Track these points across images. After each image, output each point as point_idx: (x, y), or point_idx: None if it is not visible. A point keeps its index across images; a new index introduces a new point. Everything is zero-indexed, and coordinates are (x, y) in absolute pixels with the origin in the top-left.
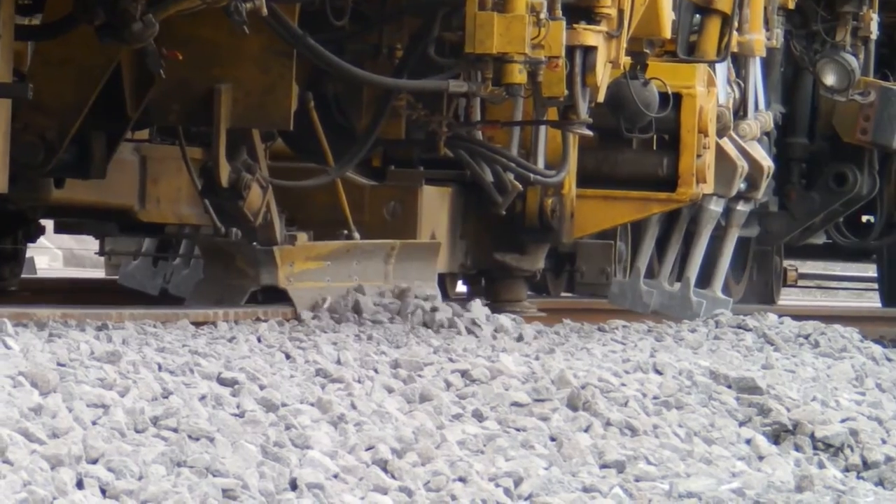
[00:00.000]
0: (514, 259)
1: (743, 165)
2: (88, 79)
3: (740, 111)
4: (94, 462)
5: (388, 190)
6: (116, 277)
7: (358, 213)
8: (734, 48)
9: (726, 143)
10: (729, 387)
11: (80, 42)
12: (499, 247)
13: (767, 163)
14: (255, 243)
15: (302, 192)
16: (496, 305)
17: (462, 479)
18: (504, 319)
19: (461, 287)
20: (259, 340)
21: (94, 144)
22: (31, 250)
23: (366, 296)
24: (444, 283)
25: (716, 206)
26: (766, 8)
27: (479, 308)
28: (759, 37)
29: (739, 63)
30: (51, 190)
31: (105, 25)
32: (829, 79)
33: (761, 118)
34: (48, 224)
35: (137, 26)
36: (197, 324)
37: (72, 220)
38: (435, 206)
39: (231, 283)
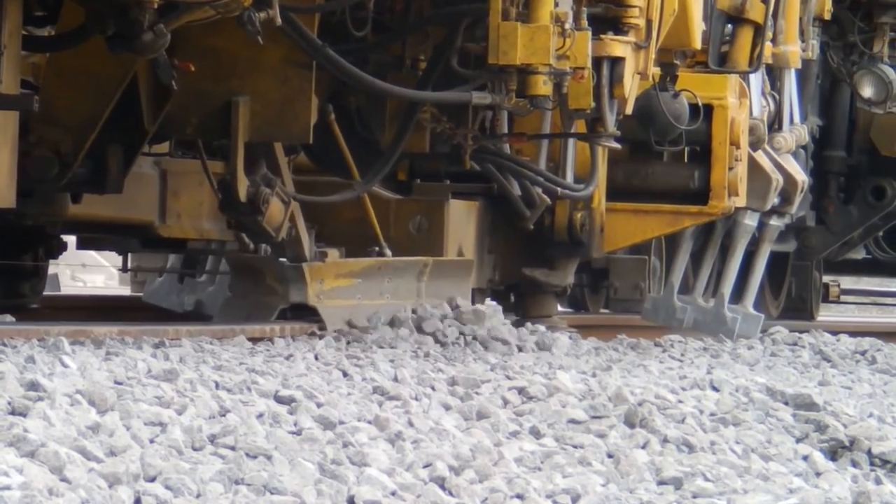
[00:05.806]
0: (544, 274)
1: (778, 179)
2: (103, 91)
3: (775, 124)
4: (152, 480)
5: (413, 204)
6: (141, 294)
7: (384, 228)
8: (769, 60)
9: (761, 157)
10: (786, 403)
11: (95, 53)
12: (527, 261)
13: (802, 177)
14: (283, 259)
15: (328, 207)
16: (526, 321)
17: (519, 497)
18: (561, 336)
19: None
20: (316, 358)
21: (110, 158)
22: (87, 269)
23: (430, 318)
24: (474, 299)
25: (750, 221)
26: (801, 19)
27: (534, 327)
28: (795, 48)
29: (774, 75)
30: (67, 205)
31: (116, 36)
32: (867, 91)
33: (796, 131)
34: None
35: (148, 36)
36: (253, 340)
37: (93, 236)
38: (462, 220)
39: (259, 299)
